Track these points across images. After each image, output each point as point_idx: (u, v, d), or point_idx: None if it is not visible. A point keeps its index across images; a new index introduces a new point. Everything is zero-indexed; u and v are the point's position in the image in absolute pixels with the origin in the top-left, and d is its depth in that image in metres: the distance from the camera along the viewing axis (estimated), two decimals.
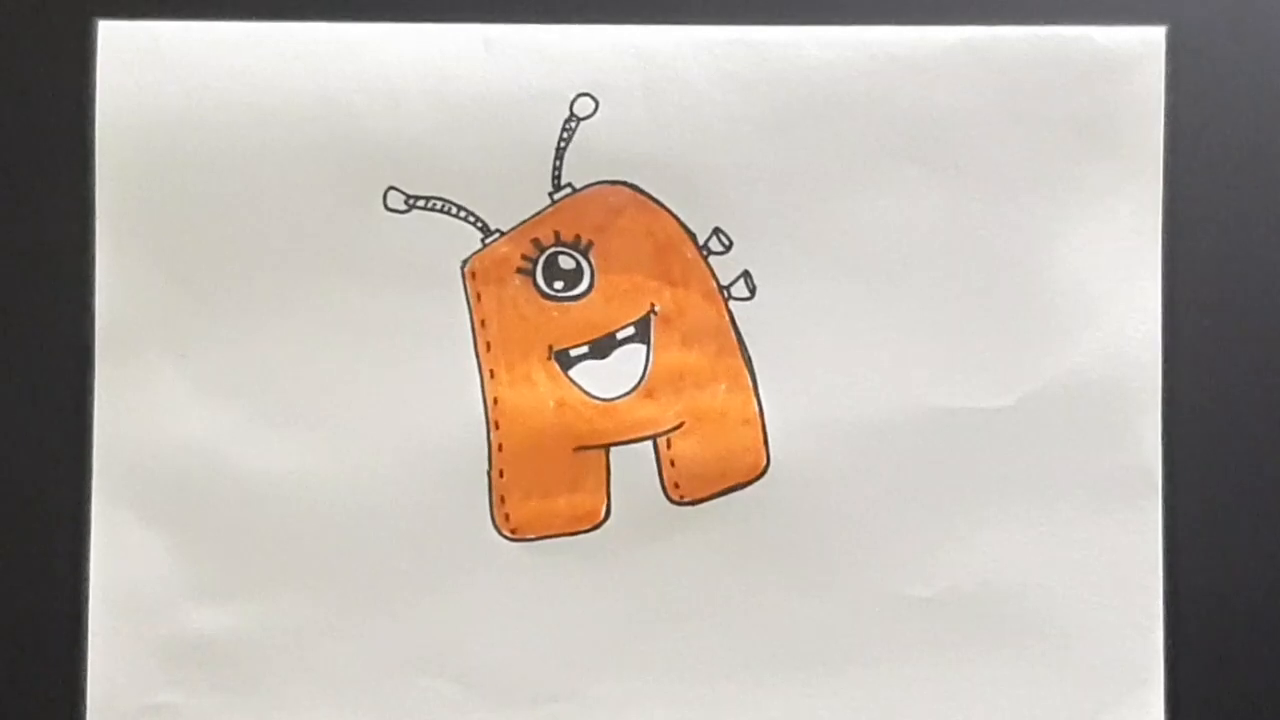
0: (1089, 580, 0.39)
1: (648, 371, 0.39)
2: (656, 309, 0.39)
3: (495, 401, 0.39)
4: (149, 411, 0.39)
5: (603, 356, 0.39)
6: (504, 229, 0.39)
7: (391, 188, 0.39)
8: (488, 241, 0.39)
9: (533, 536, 0.39)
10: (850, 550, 0.39)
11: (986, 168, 0.39)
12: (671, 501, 0.39)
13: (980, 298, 0.39)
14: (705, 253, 0.39)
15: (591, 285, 0.39)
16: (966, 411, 0.39)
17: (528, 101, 0.38)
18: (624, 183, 0.39)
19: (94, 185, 0.39)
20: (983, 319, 0.39)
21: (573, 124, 0.38)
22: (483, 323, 0.39)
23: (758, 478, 0.39)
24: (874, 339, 0.39)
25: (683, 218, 0.39)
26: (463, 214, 0.39)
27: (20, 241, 0.39)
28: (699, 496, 0.39)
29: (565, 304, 0.39)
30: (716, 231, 0.39)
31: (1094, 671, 0.39)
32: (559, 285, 0.39)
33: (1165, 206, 0.39)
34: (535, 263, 0.39)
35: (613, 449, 0.39)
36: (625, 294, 0.39)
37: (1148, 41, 0.39)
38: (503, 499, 0.39)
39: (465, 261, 0.39)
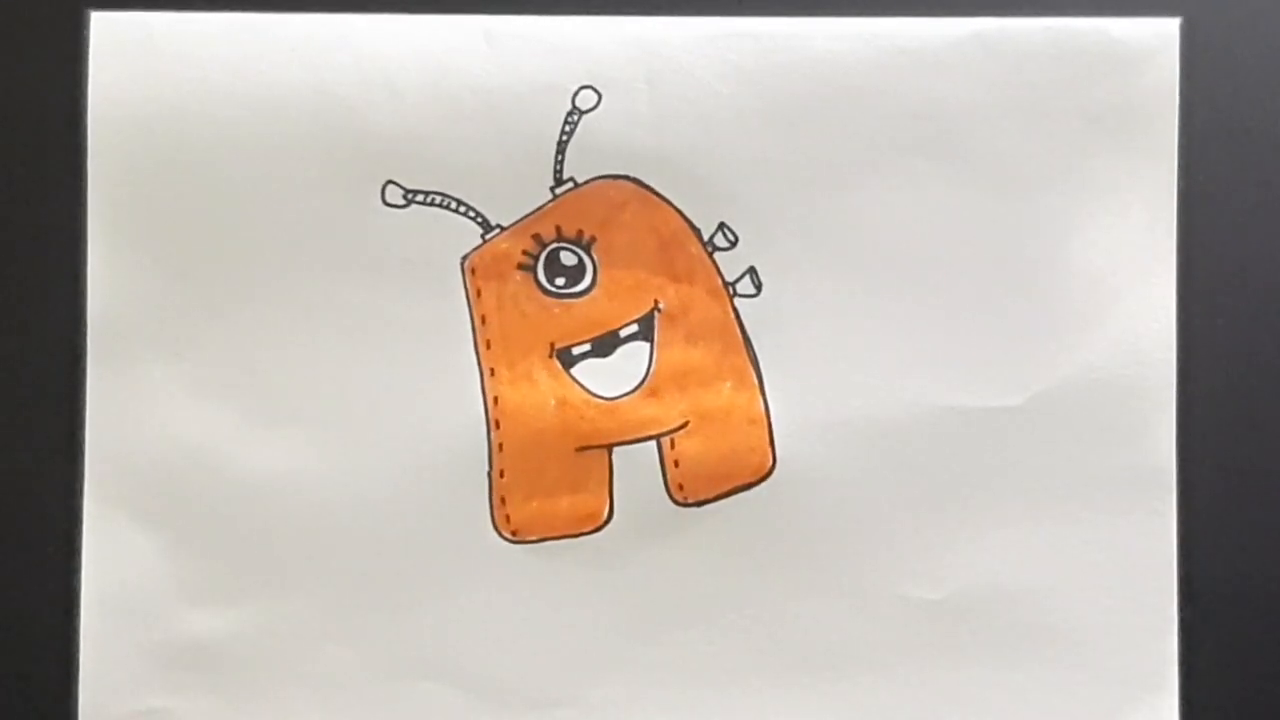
0: (1102, 582, 0.38)
1: (651, 370, 0.39)
2: (660, 306, 0.39)
3: (496, 400, 0.38)
4: (142, 411, 0.39)
5: (605, 354, 0.39)
6: (504, 224, 0.39)
7: (390, 182, 0.38)
8: (488, 237, 0.39)
9: (534, 538, 0.39)
10: (858, 552, 0.38)
11: (997, 162, 0.38)
12: (675, 502, 0.39)
13: (991, 294, 0.38)
14: (710, 249, 0.39)
15: (594, 282, 0.39)
16: (977, 411, 0.38)
17: (529, 94, 0.38)
18: (627, 177, 0.38)
19: (86, 180, 0.38)
20: (994, 316, 0.38)
21: (575, 117, 0.38)
22: (483, 320, 0.39)
23: (763, 478, 0.38)
24: (882, 337, 0.38)
25: (687, 213, 0.39)
26: (462, 209, 0.38)
27: (11, 238, 0.39)
28: (703, 497, 0.39)
29: (567, 301, 0.39)
30: (722, 227, 0.38)
31: (1107, 675, 0.38)
32: (561, 282, 0.39)
33: (1180, 200, 0.38)
34: (537, 259, 0.39)
35: (615, 449, 0.39)
36: (628, 291, 0.39)
37: (1161, 34, 0.38)
38: (503, 500, 0.38)
39: (465, 257, 0.39)
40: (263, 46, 0.38)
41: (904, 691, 0.38)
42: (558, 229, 0.39)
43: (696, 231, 0.39)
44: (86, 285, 0.38)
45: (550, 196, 0.39)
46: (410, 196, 0.38)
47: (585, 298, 0.39)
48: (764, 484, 0.38)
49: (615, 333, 0.39)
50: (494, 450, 0.38)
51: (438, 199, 0.38)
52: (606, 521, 0.39)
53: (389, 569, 0.38)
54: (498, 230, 0.39)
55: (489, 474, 0.38)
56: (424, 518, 0.38)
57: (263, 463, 0.38)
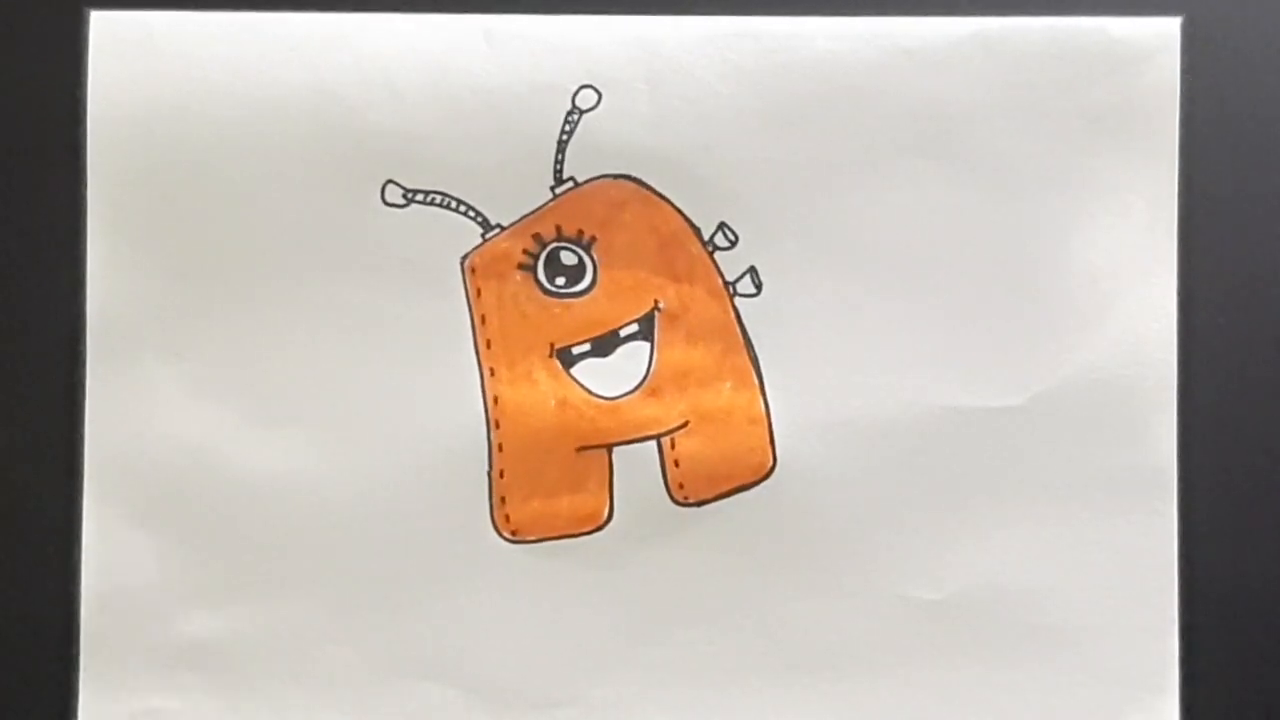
0: (1102, 583, 0.38)
1: (651, 370, 0.39)
2: (661, 306, 0.39)
3: (495, 400, 0.38)
4: (142, 411, 0.38)
5: (605, 354, 0.39)
6: (504, 224, 0.38)
7: (390, 181, 0.38)
8: (488, 236, 0.38)
9: (534, 538, 0.39)
10: (858, 552, 0.38)
11: (998, 162, 0.38)
12: (675, 502, 0.39)
13: (991, 294, 0.38)
14: (710, 248, 0.38)
15: (594, 281, 0.39)
16: (977, 411, 0.38)
17: (529, 94, 0.38)
18: (627, 176, 0.38)
19: (86, 180, 0.38)
20: (994, 316, 0.38)
21: (575, 116, 0.38)
22: (483, 319, 0.38)
23: (764, 478, 0.38)
24: (883, 337, 0.38)
25: (687, 212, 0.38)
26: (462, 208, 0.38)
27: (10, 238, 0.39)
28: (704, 497, 0.39)
29: (567, 300, 0.39)
30: (722, 226, 0.38)
31: (1107, 676, 0.38)
32: (561, 281, 0.39)
33: (1181, 200, 0.38)
34: (537, 258, 0.39)
35: (615, 449, 0.39)
36: (628, 290, 0.39)
37: (1162, 33, 0.38)
38: (503, 500, 0.38)
39: (465, 257, 0.38)
40: (263, 46, 0.38)
41: (904, 691, 0.38)
42: (558, 228, 0.39)
43: (696, 231, 0.39)
44: (86, 285, 0.38)
45: (550, 196, 0.38)
46: (410, 196, 0.38)
47: (585, 297, 0.39)
48: (764, 484, 0.38)
49: (615, 332, 0.39)
50: (494, 450, 0.38)
51: (438, 198, 0.38)
52: (607, 521, 0.39)
53: (389, 569, 0.38)
54: (498, 230, 0.38)
55: (489, 474, 0.38)
56: (424, 518, 0.38)
57: (263, 463, 0.38)
